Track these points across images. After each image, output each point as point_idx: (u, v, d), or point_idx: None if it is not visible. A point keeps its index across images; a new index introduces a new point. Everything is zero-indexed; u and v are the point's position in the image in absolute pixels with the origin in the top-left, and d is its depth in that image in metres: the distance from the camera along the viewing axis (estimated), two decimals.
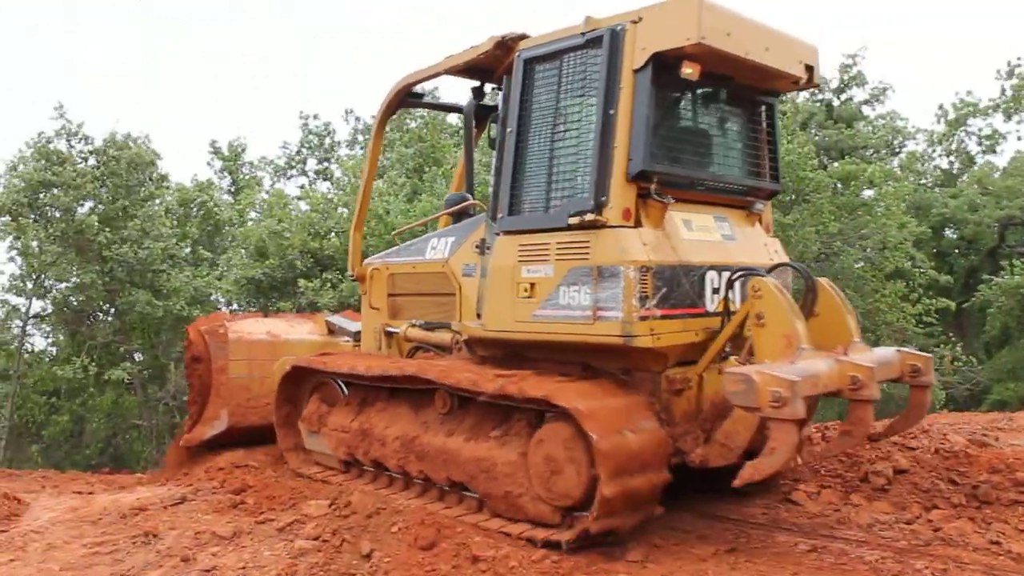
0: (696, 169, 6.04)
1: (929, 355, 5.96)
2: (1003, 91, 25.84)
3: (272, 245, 20.08)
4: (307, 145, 30.98)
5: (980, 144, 27.82)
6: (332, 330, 9.48)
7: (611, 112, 5.51)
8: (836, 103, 25.63)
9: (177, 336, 21.11)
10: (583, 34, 5.76)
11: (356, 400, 7.16)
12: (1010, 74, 25.63)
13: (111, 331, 22.16)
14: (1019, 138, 34.79)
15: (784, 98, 25.23)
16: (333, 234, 20.02)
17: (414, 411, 6.55)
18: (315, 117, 30.89)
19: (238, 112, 61.72)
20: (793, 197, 19.21)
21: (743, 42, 5.61)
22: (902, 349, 5.96)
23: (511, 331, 5.98)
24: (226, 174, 30.53)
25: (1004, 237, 24.96)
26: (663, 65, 5.46)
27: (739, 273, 5.77)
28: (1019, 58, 25.41)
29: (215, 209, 24.75)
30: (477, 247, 6.62)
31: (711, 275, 5.84)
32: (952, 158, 28.35)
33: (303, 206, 23.01)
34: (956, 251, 25.52)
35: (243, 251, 21.05)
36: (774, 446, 4.81)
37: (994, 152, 27.65)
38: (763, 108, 6.50)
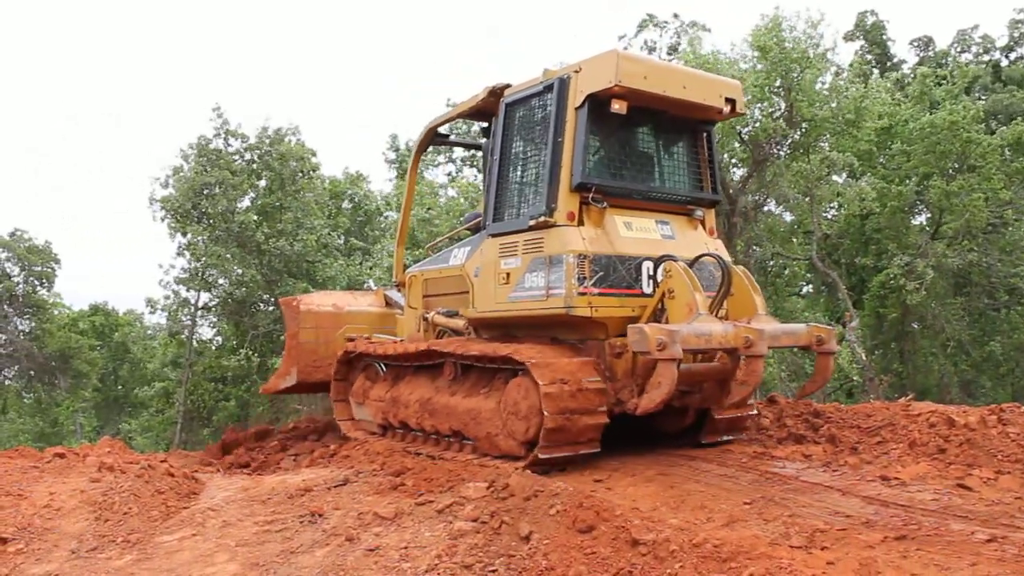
0: (631, 182, 7.66)
1: (832, 327, 7.62)
2: None
3: (422, 232, 20.52)
4: (455, 132, 31.49)
5: None
6: (389, 303, 10.98)
7: (559, 140, 7.26)
8: (1004, 63, 23.97)
9: None
10: (542, 83, 7.56)
11: (391, 376, 9.15)
12: None
13: (272, 320, 23.20)
14: None
15: (945, 62, 23.87)
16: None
17: (431, 380, 8.38)
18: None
19: (396, 103, 63.37)
20: (957, 165, 18.18)
21: (660, 83, 7.29)
22: (811, 323, 7.49)
23: (494, 311, 7.78)
24: (397, 165, 31.38)
25: None
26: (597, 103, 7.18)
27: (661, 258, 7.28)
28: None
29: (365, 200, 25.48)
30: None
31: (647, 264, 7.37)
32: None
33: (451, 192, 23.41)
34: None
35: (395, 238, 21.65)
36: (659, 380, 6.47)
37: None
38: (700, 133, 8.13)
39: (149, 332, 37.15)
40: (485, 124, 9.20)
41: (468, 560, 4.88)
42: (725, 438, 8.00)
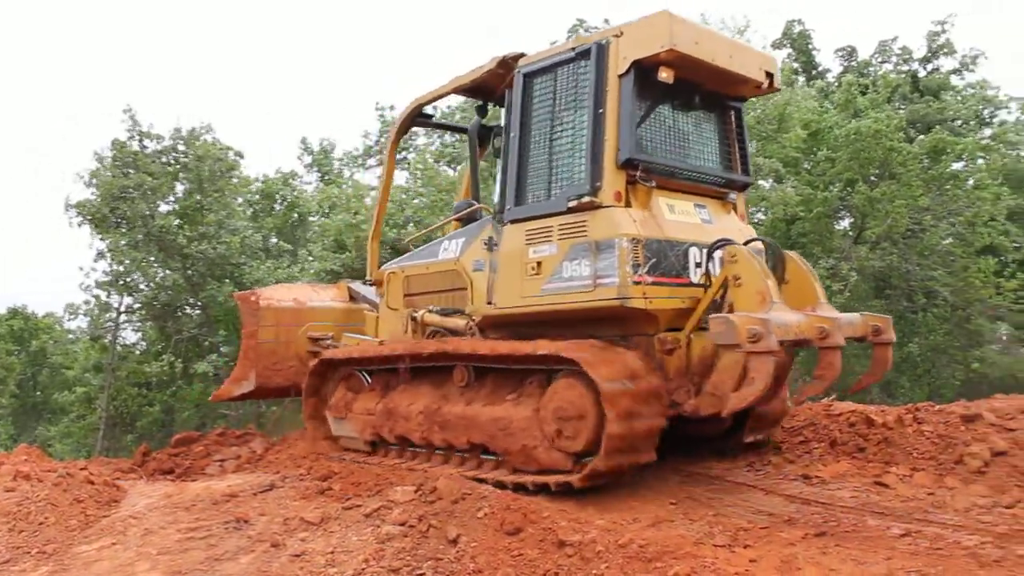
0: (675, 160, 6.93)
1: (888, 316, 6.99)
2: None
3: (349, 237, 20.33)
4: (385, 135, 31.26)
5: None
6: (354, 296, 10.12)
7: (600, 111, 6.49)
8: (922, 74, 24.76)
9: None
10: (573, 49, 6.82)
11: (379, 385, 8.06)
12: None
13: (197, 324, 22.76)
14: None
15: (868, 71, 24.56)
16: (411, 224, 20.18)
17: (435, 388, 7.39)
18: (391, 108, 31.17)
19: (322, 104, 62.74)
20: (879, 172, 18.72)
21: (710, 50, 6.60)
22: (865, 313, 6.91)
23: (522, 306, 6.83)
24: (315, 168, 30.96)
25: None
26: (642, 71, 6.48)
27: (718, 242, 6.64)
28: None
29: (298, 200, 25.13)
30: (485, 244, 7.38)
31: (693, 251, 6.69)
32: None
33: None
34: None
35: (323, 243, 21.35)
36: (753, 376, 5.72)
37: None
38: (732, 111, 7.52)
39: (71, 336, 36.11)
40: (481, 102, 8.59)
41: (395, 564, 4.87)
42: (759, 437, 7.39)
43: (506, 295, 6.97)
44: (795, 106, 19.21)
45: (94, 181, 21.14)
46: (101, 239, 21.86)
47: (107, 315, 24.01)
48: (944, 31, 24.27)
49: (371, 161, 28.95)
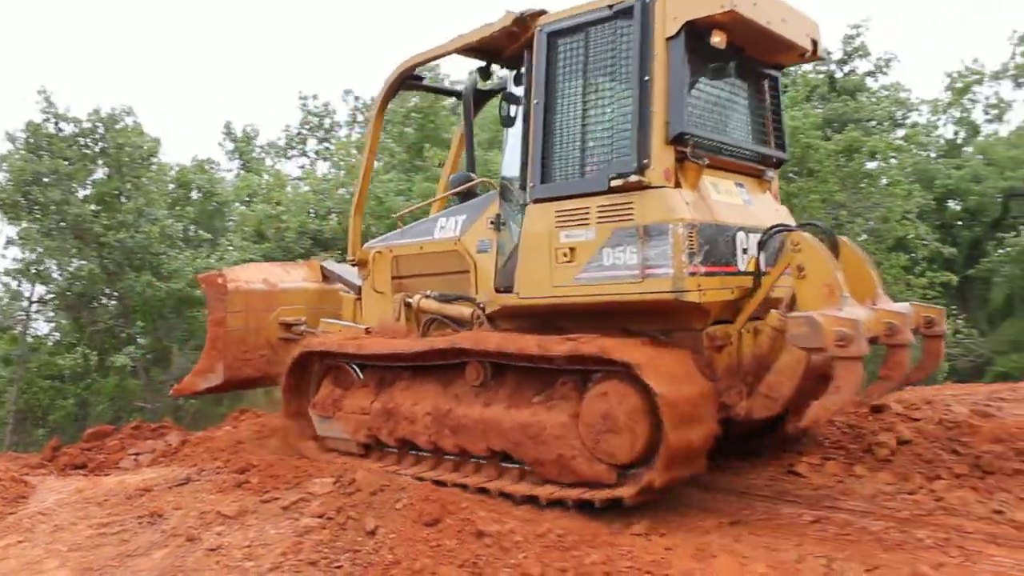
0: (721, 135, 6.28)
1: (941, 308, 6.46)
2: (1013, 56, 25.62)
3: (270, 227, 20.04)
4: (307, 126, 30.86)
5: (986, 113, 27.60)
6: (327, 276, 9.36)
7: (646, 79, 5.72)
8: (839, 75, 25.42)
9: (180, 318, 21.10)
10: (610, 6, 5.99)
11: (373, 381, 7.18)
12: (1023, 40, 25.40)
13: (113, 315, 22.16)
14: None
15: (789, 70, 25.11)
16: (333, 215, 19.97)
17: (443, 386, 6.62)
18: (314, 97, 30.75)
19: (244, 94, 61.49)
20: (798, 168, 19.16)
21: (766, 12, 5.92)
22: (916, 303, 6.31)
23: (551, 296, 6.05)
24: (237, 156, 30.37)
25: (1008, 208, 24.80)
26: (694, 33, 5.74)
27: (775, 229, 6.08)
28: None
29: (214, 189, 24.61)
30: (492, 223, 6.79)
31: (740, 235, 6.07)
32: (957, 128, 28.13)
33: (304, 187, 22.95)
34: (960, 223, 25.39)
35: (242, 233, 20.99)
36: (839, 384, 5.07)
37: (1001, 121, 27.43)
38: (768, 81, 6.83)
39: None
40: (484, 63, 7.61)
41: (313, 557, 4.83)
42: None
43: (531, 283, 6.19)
44: None
45: (4, 165, 20.37)
46: (12, 225, 21.09)
47: (18, 305, 23.20)
48: (859, 35, 24.95)
49: (292, 152, 28.58)
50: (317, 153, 29.16)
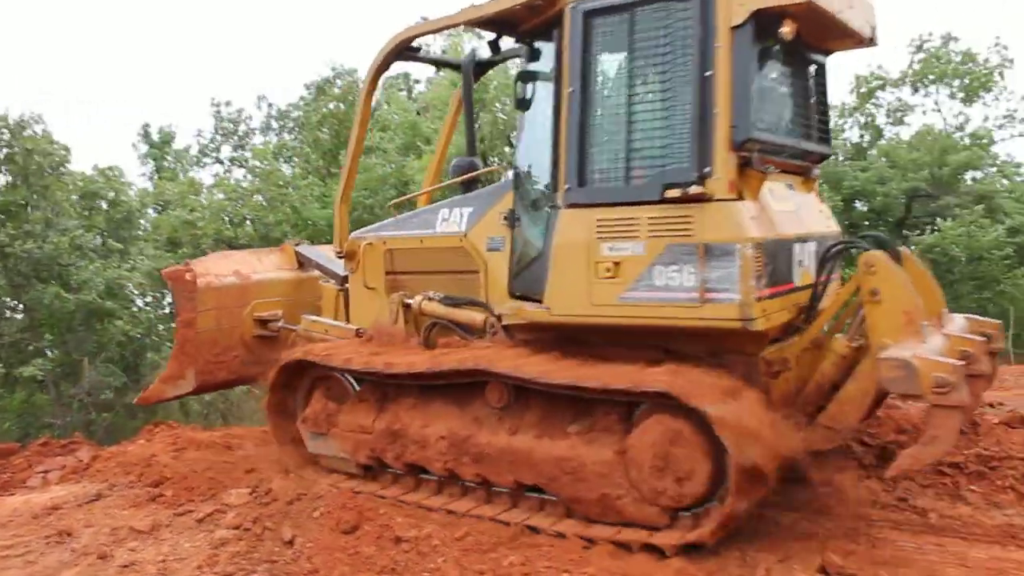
0: (779, 135, 5.59)
1: (999, 322, 5.88)
2: (911, 63, 26.59)
3: (184, 235, 19.66)
4: (221, 132, 30.35)
5: (888, 117, 28.57)
6: (302, 262, 8.39)
7: (708, 74, 5.00)
8: None
9: (90, 330, 20.53)
10: None
11: (374, 397, 6.28)
12: (919, 48, 26.39)
13: (20, 328, 21.43)
14: (924, 112, 35.94)
15: None
16: (248, 222, 19.70)
17: (458, 407, 5.82)
18: (227, 104, 30.27)
19: (154, 100, 60.05)
20: None
21: (834, 0, 5.32)
22: (971, 316, 5.82)
23: (590, 316, 5.33)
24: (150, 160, 29.64)
25: (911, 208, 25.74)
26: (764, 22, 5.02)
27: (841, 244, 5.66)
28: (929, 33, 26.15)
29: (122, 199, 24.00)
30: (506, 219, 6.08)
31: (796, 247, 5.53)
32: (863, 132, 29.06)
33: (219, 195, 22.56)
34: (867, 223, 26.25)
35: (155, 241, 20.55)
36: (936, 434, 4.59)
37: (903, 124, 28.43)
38: (816, 68, 6.16)
39: None
40: (495, 36, 6.88)
41: (230, 569, 4.79)
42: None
43: (565, 299, 5.43)
44: None
45: None
46: None
47: None
48: None
49: (206, 160, 28.07)
50: (232, 160, 28.69)
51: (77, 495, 6.56)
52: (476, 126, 8.11)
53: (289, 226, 17.96)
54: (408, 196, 8.58)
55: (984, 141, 24.08)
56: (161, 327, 21.83)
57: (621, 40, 5.37)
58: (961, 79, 25.23)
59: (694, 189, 4.93)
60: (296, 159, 24.15)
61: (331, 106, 23.85)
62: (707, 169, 4.95)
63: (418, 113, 21.31)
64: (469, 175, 6.91)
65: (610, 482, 5.06)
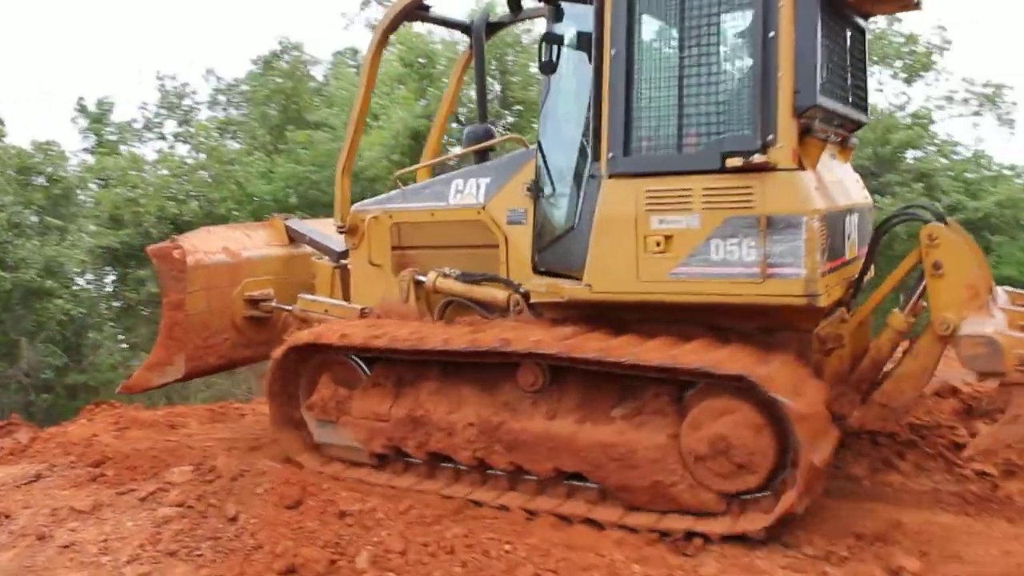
0: (834, 101, 5.26)
1: None
2: None
3: (127, 212, 19.29)
4: (165, 107, 29.70)
5: None
6: (293, 238, 7.88)
7: (771, 35, 4.71)
8: None
9: (28, 310, 20.11)
10: None
11: (389, 380, 5.89)
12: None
13: None
14: None
15: None
16: (194, 200, 19.41)
17: (486, 391, 5.52)
18: (172, 78, 29.62)
19: (95, 73, 58.53)
20: None
21: None
22: (1008, 289, 5.68)
23: (637, 293, 5.04)
24: (91, 135, 28.87)
25: None
26: None
27: (902, 215, 5.56)
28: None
29: (60, 174, 23.42)
30: (529, 190, 5.77)
31: (847, 219, 5.38)
32: None
33: (163, 171, 22.17)
34: None
35: (97, 218, 20.12)
36: (1018, 413, 4.54)
37: None
38: (860, 32, 5.86)
39: None
40: None
41: (172, 547, 4.76)
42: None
43: (609, 275, 5.12)
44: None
45: None
46: None
47: None
48: None
49: (149, 135, 27.48)
50: (176, 136, 28.14)
51: (15, 476, 6.44)
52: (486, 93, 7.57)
53: (234, 203, 17.74)
54: (415, 167, 8.05)
55: (924, 121, 24.57)
56: (103, 306, 21.46)
57: None
58: (903, 60, 25.70)
59: (758, 158, 4.68)
60: (242, 135, 23.82)
61: (278, 81, 23.53)
62: (771, 137, 4.72)
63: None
64: (486, 143, 6.59)
65: (663, 468, 4.85)
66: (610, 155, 5.13)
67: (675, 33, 5.07)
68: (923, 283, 5.05)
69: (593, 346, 4.96)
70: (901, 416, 5.21)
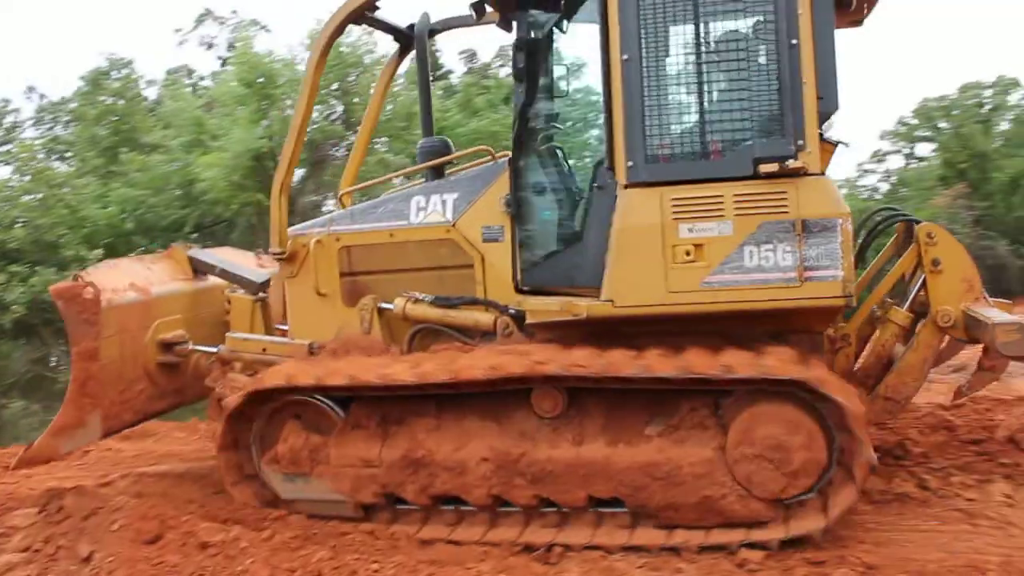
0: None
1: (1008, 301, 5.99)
2: None
3: None
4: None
5: None
6: (197, 269, 6.94)
7: (794, 42, 4.80)
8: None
9: None
10: None
11: (372, 421, 5.39)
12: None
13: None
14: None
15: (488, 73, 26.23)
16: (19, 223, 18.29)
17: (496, 422, 5.20)
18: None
19: None
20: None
21: None
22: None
23: (666, 305, 4.89)
24: None
25: None
26: None
27: (891, 218, 5.84)
28: None
29: None
30: (507, 204, 5.51)
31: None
32: None
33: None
34: None
35: None
36: (993, 364, 5.06)
37: None
38: None
39: None
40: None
41: None
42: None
43: (634, 288, 4.92)
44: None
45: None
46: None
47: None
48: None
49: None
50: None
51: None
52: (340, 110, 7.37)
53: (66, 228, 16.84)
54: (363, 184, 7.55)
55: None
56: None
57: (688, 2, 4.99)
58: None
59: (793, 163, 4.74)
60: (71, 155, 22.65)
61: (108, 100, 22.53)
62: (801, 142, 4.80)
63: (203, 109, 20.49)
64: (445, 158, 6.23)
65: (712, 481, 4.77)
66: (629, 164, 5.00)
67: (688, 37, 5.04)
68: (921, 279, 5.43)
69: (641, 363, 4.79)
70: (903, 408, 5.44)
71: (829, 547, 4.62)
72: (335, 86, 19.49)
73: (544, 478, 4.98)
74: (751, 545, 4.69)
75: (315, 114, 19.87)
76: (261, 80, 18.98)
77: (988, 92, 27.61)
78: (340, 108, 19.96)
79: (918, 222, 5.57)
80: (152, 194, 19.43)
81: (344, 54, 19.22)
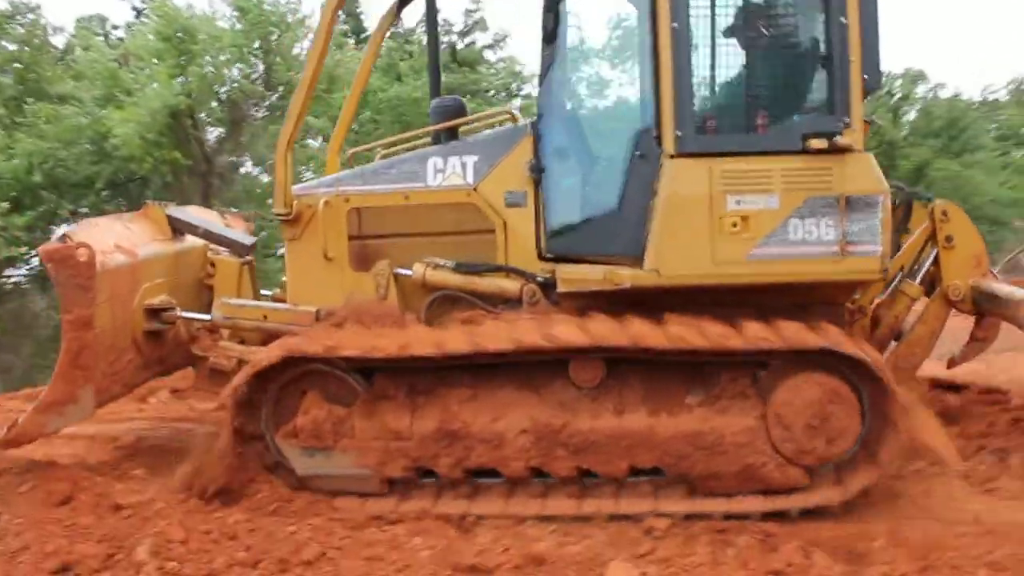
0: None
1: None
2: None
3: None
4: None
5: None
6: (177, 229, 6.31)
7: (843, 20, 4.89)
8: (460, 46, 26.80)
9: None
10: None
11: (400, 392, 5.14)
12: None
13: None
14: None
15: (411, 39, 26.02)
16: None
17: (534, 392, 5.09)
18: None
19: None
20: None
21: None
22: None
23: (712, 275, 4.94)
24: None
25: None
26: None
27: (912, 193, 6.05)
28: None
29: None
30: (531, 169, 5.40)
31: None
32: None
33: None
34: None
35: None
36: (985, 336, 5.53)
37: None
38: None
39: None
40: None
41: None
42: None
43: (681, 259, 4.94)
44: (344, 68, 19.79)
45: None
46: None
47: None
48: (479, 9, 26.51)
49: None
50: None
51: None
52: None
53: None
54: (371, 145, 7.15)
55: None
56: None
57: None
58: None
59: (841, 140, 4.84)
60: None
61: (12, 48, 21.59)
62: (847, 119, 4.91)
63: (118, 62, 19.82)
64: (463, 120, 6.00)
65: (754, 450, 4.89)
66: (678, 134, 4.97)
67: (738, 12, 5.16)
68: (934, 253, 5.78)
69: (712, 332, 4.81)
70: (911, 377, 5.71)
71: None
72: (256, 44, 19.10)
73: (586, 449, 4.95)
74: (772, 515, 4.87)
75: (234, 72, 19.44)
76: (180, 35, 18.49)
77: (898, 83, 28.67)
78: (261, 67, 19.57)
79: (930, 199, 5.92)
80: (62, 147, 18.83)
81: (267, 11, 18.85)
